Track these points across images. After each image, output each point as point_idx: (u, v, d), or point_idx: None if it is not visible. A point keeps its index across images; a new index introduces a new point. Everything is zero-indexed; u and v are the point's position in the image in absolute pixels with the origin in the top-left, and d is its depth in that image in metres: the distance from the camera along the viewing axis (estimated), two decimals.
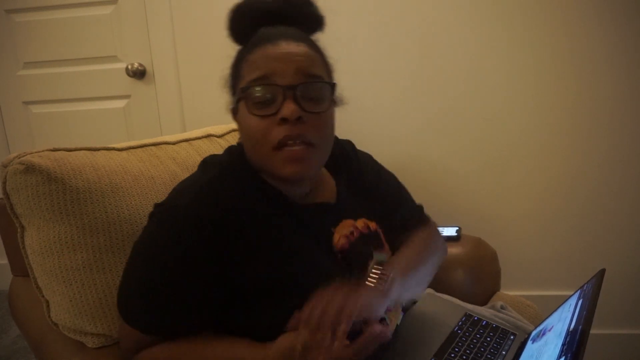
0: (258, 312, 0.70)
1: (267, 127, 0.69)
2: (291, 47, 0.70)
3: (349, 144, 0.94)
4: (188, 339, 0.70)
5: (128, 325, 0.70)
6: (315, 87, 0.71)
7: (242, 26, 0.75)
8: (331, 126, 0.75)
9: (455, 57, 1.53)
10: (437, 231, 0.97)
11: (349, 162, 0.89)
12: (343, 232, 0.78)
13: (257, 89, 0.69)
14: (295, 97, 0.68)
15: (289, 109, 0.67)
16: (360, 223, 0.81)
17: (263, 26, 0.74)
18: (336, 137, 0.91)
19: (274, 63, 0.69)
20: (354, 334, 0.71)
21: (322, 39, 0.78)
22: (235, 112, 0.76)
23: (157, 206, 0.73)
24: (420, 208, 0.97)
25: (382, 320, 0.80)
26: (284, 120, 0.68)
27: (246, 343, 0.69)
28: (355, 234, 0.79)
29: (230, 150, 0.81)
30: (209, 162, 0.79)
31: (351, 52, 1.57)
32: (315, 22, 0.77)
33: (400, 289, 0.72)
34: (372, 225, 0.83)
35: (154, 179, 0.88)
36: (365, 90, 1.59)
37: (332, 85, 0.74)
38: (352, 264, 0.77)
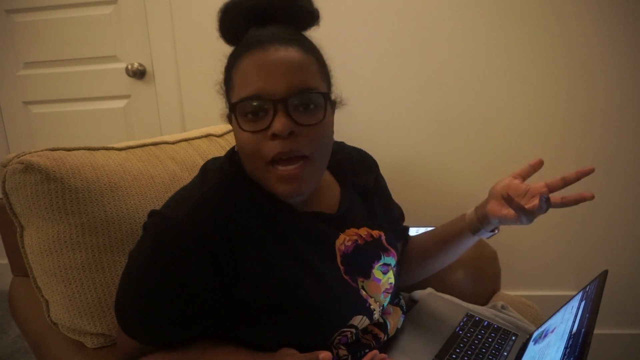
0: (258, 325, 0.69)
1: (258, 143, 0.66)
2: (281, 53, 0.65)
3: (371, 160, 0.92)
4: (185, 348, 0.69)
5: (125, 334, 0.69)
6: (307, 97, 0.66)
7: (231, 26, 0.71)
8: (328, 135, 0.71)
9: (456, 56, 1.52)
10: None
11: (366, 173, 0.88)
12: (348, 238, 0.78)
13: (247, 104, 0.65)
14: (287, 111, 0.64)
15: (280, 124, 0.63)
16: (363, 231, 0.80)
17: (253, 26, 0.70)
18: (346, 145, 0.91)
19: (263, 74, 0.64)
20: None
21: (315, 37, 0.73)
22: (230, 120, 0.73)
23: (153, 215, 0.70)
24: (407, 228, 0.99)
25: (382, 324, 0.79)
26: (276, 136, 0.64)
27: (245, 352, 0.69)
28: (360, 241, 0.79)
29: (231, 155, 0.78)
30: (209, 169, 0.76)
31: (346, 50, 1.56)
32: (308, 17, 0.72)
33: None
34: (375, 233, 0.82)
35: (153, 178, 0.88)
36: (362, 89, 1.58)
37: (326, 95, 0.68)
38: (354, 269, 0.76)
